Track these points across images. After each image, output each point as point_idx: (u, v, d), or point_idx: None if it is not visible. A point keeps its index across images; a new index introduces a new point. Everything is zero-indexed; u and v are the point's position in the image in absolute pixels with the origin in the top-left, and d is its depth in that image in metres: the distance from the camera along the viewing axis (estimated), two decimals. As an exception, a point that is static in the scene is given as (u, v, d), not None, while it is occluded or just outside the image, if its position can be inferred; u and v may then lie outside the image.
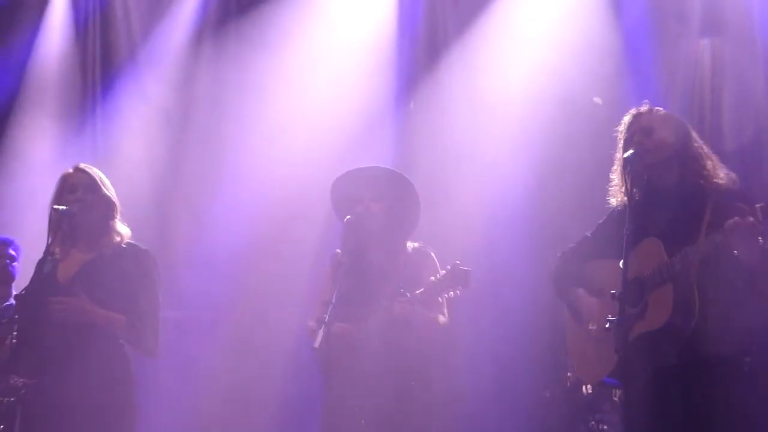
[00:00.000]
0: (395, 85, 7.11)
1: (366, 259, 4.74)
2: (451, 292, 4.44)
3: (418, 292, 4.48)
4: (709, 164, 3.95)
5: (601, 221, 4.23)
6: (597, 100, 6.60)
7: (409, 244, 4.81)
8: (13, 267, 5.70)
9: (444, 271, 4.45)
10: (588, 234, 4.25)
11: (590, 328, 4.00)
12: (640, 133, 3.98)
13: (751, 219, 3.53)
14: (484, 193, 6.64)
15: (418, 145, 6.95)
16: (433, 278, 4.47)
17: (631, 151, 3.87)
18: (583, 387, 5.77)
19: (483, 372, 6.34)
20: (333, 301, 4.29)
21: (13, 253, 5.72)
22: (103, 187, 4.47)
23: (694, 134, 4.04)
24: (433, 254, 4.77)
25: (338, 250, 4.79)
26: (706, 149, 4.02)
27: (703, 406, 3.70)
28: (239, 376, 6.87)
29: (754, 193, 3.73)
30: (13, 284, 5.70)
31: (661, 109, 4.10)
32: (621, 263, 3.70)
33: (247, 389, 6.83)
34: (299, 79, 7.08)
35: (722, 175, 3.93)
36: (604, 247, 4.09)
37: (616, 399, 5.68)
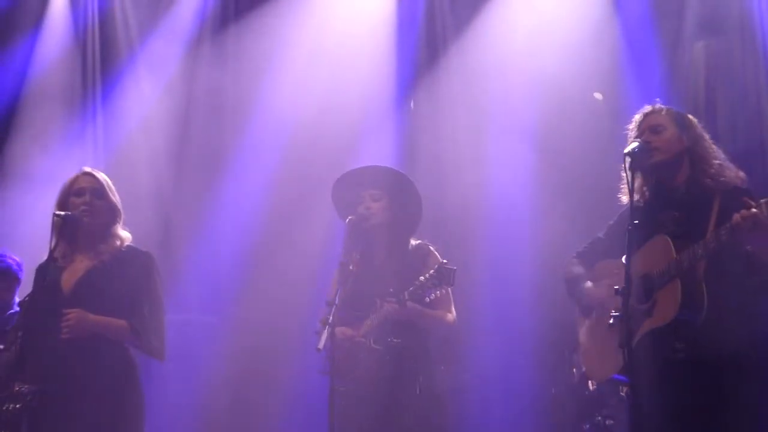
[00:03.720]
0: (395, 85, 7.11)
1: (368, 259, 4.75)
2: (438, 291, 4.44)
3: (407, 291, 4.48)
4: (716, 163, 3.95)
5: (612, 222, 4.24)
6: (597, 95, 6.60)
7: (412, 241, 4.81)
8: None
9: (432, 270, 4.46)
10: (600, 235, 4.27)
11: (612, 314, 3.90)
12: (648, 131, 3.99)
13: (755, 211, 3.52)
14: (484, 190, 6.64)
15: (419, 144, 6.95)
16: (422, 277, 4.47)
17: (633, 145, 3.87)
18: (589, 383, 5.77)
19: (489, 369, 6.34)
20: (336, 302, 4.29)
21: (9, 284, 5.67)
22: (110, 192, 4.46)
23: (704, 133, 4.04)
24: (433, 249, 4.77)
25: (343, 251, 4.81)
26: (714, 148, 4.02)
27: (711, 401, 3.70)
28: (244, 379, 6.87)
29: (759, 194, 3.72)
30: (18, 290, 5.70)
31: (672, 108, 4.10)
32: (623, 259, 3.69)
33: (251, 392, 6.83)
34: (299, 81, 7.08)
35: (729, 174, 3.94)
36: (616, 246, 4.08)
37: (623, 394, 5.69)
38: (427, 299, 4.47)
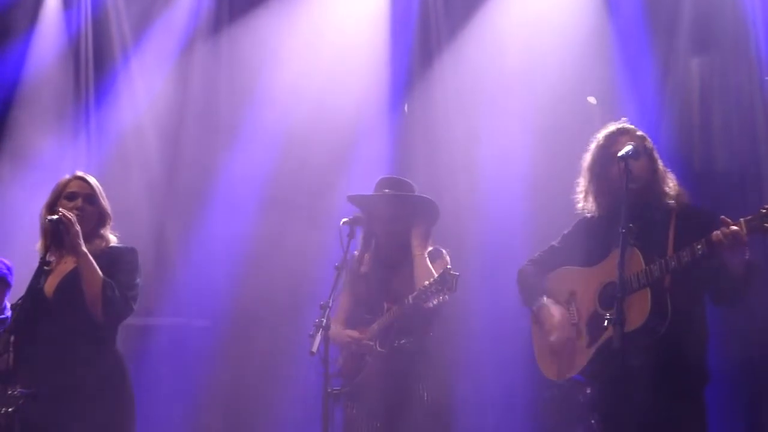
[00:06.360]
0: (389, 88, 7.11)
1: (378, 263, 4.79)
2: (441, 297, 4.48)
3: (411, 296, 4.52)
4: (670, 184, 4.12)
5: (566, 231, 4.36)
6: (591, 99, 6.61)
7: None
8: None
9: (436, 276, 4.48)
10: (555, 243, 4.39)
11: (551, 339, 4.18)
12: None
13: (735, 229, 3.67)
14: (479, 194, 6.64)
15: (413, 147, 6.96)
16: (426, 282, 4.49)
17: (627, 148, 3.93)
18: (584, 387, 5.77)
19: (482, 373, 6.35)
20: (330, 304, 4.31)
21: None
22: (101, 198, 4.50)
23: (657, 154, 4.17)
24: (445, 254, 4.83)
25: (356, 252, 4.85)
26: (665, 169, 4.16)
27: (663, 408, 3.85)
28: (236, 383, 6.87)
29: (750, 208, 3.82)
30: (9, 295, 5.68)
31: (637, 129, 4.19)
32: (607, 264, 3.91)
33: (244, 396, 6.83)
34: (292, 84, 7.08)
35: (682, 194, 4.12)
36: (570, 255, 4.26)
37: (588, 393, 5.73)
38: (430, 305, 4.50)
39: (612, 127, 4.20)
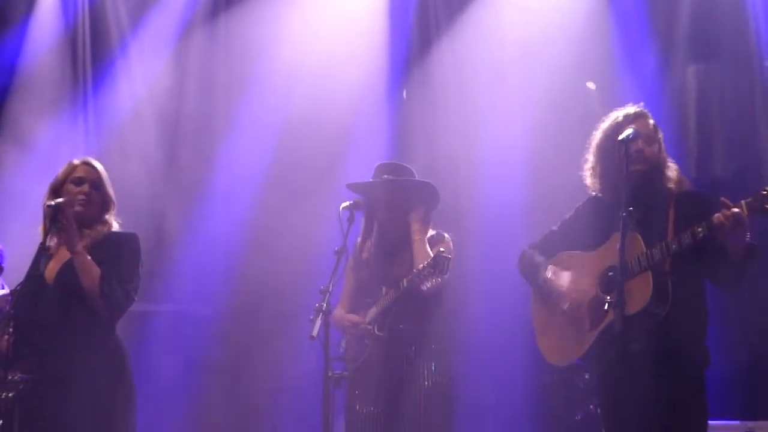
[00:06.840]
0: (388, 74, 7.11)
1: (381, 247, 4.80)
2: (434, 280, 4.50)
3: (406, 279, 4.53)
4: (673, 169, 4.13)
5: (567, 216, 4.35)
6: (590, 85, 6.61)
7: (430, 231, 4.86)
8: None
9: (430, 259, 4.49)
10: (554, 228, 4.37)
11: (564, 307, 4.14)
12: (642, 140, 4.05)
13: (736, 211, 3.68)
14: (477, 181, 6.64)
15: (411, 133, 6.96)
16: (421, 265, 4.51)
17: (627, 132, 3.92)
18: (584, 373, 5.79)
19: (483, 358, 6.36)
20: (330, 289, 4.32)
21: None
22: (106, 184, 4.51)
23: (662, 142, 4.17)
24: (448, 238, 4.82)
25: (358, 239, 4.85)
26: (666, 155, 4.16)
27: (663, 392, 3.84)
28: (237, 369, 6.89)
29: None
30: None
31: (651, 116, 4.20)
32: (608, 248, 3.89)
33: (244, 382, 6.85)
34: (291, 71, 7.08)
35: (683, 179, 4.14)
36: (571, 240, 4.25)
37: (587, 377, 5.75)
38: (424, 288, 4.51)
39: (630, 109, 4.17)
